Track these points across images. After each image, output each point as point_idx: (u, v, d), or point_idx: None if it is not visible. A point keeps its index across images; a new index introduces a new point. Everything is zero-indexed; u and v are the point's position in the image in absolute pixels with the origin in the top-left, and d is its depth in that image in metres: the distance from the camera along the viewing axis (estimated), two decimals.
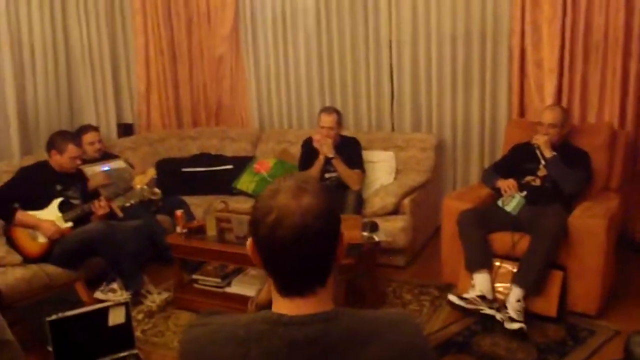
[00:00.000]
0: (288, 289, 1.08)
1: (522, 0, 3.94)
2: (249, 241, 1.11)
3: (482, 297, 3.12)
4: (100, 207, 3.64)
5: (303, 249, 1.04)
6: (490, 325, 3.07)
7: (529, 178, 3.50)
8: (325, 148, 3.99)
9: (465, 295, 3.15)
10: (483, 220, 3.31)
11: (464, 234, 3.30)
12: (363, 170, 4.14)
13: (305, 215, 1.03)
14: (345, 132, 4.42)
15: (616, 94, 3.77)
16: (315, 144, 4.04)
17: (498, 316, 3.06)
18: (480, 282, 3.16)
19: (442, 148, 4.51)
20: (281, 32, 5.00)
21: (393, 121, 4.71)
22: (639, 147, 3.84)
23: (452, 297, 3.17)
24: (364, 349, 1.04)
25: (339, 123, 4.11)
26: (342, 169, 4.00)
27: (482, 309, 3.12)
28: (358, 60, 4.71)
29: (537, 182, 3.47)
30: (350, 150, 4.14)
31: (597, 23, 3.77)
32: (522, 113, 4.13)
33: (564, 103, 3.89)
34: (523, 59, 4.04)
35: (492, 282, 3.18)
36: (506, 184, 3.47)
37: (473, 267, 3.22)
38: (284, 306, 1.08)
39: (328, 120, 4.04)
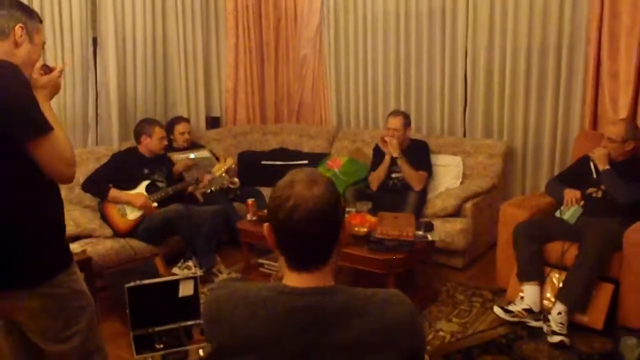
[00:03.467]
0: (296, 265, 1.29)
1: (600, 10, 3.90)
2: (266, 225, 1.33)
3: (529, 310, 3.20)
4: (201, 183, 4.16)
5: (313, 230, 1.25)
6: (536, 333, 3.14)
7: (591, 190, 3.50)
8: (391, 148, 4.17)
9: (511, 308, 3.24)
10: (539, 232, 3.37)
11: (518, 246, 3.36)
12: (429, 173, 4.29)
13: (317, 202, 1.24)
14: (417, 136, 4.58)
15: None
16: (381, 144, 4.23)
17: (544, 328, 3.13)
18: (529, 294, 3.23)
19: (511, 155, 4.54)
20: (362, 36, 5.21)
21: (465, 127, 4.79)
22: None
23: (497, 310, 3.27)
24: (354, 321, 1.23)
25: (406, 125, 4.27)
26: (406, 169, 4.16)
27: (527, 322, 3.20)
28: (434, 65, 4.83)
29: (599, 195, 3.47)
30: (418, 152, 4.29)
31: None
32: (594, 125, 4.09)
33: (639, 117, 3.83)
34: (598, 69, 4.00)
35: (542, 293, 3.24)
36: (572, 195, 3.50)
37: (524, 278, 3.29)
38: (291, 279, 1.29)
39: (394, 122, 4.23)
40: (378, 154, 4.40)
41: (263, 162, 5.17)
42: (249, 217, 3.90)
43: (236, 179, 4.53)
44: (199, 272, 3.76)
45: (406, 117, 4.31)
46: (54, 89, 1.90)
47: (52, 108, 1.86)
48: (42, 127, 1.69)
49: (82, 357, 1.92)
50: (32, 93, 1.72)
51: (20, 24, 1.79)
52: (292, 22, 5.64)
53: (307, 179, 1.27)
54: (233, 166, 4.33)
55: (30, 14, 1.85)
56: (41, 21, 1.91)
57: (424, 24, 4.81)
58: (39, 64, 1.88)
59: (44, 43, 1.93)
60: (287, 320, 1.24)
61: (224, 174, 4.27)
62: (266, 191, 4.66)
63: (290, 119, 5.89)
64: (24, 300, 1.78)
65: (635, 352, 1.67)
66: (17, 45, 1.79)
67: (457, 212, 4.05)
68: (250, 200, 3.98)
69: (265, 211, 3.76)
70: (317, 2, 5.37)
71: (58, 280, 1.82)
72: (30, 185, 1.75)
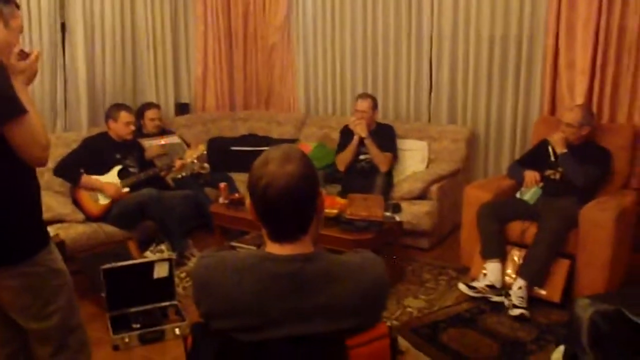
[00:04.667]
0: (277, 236, 1.37)
1: (558, 2, 4.08)
2: (247, 201, 1.42)
3: (492, 287, 3.38)
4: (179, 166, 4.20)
5: (288, 205, 1.32)
6: (498, 307, 3.31)
7: (549, 172, 3.68)
8: (359, 128, 4.30)
9: (474, 284, 3.41)
10: (501, 212, 3.54)
11: (481, 226, 3.53)
12: (395, 155, 4.42)
13: (289, 180, 1.31)
14: (384, 121, 4.71)
15: None
16: (350, 125, 4.36)
17: (505, 302, 3.30)
18: (492, 271, 3.40)
19: (474, 140, 4.71)
20: (330, 24, 5.30)
21: (430, 112, 4.94)
22: None
23: (461, 286, 3.44)
24: (334, 285, 1.33)
25: (374, 108, 4.40)
26: (373, 150, 4.29)
27: (490, 297, 3.37)
28: (400, 52, 4.96)
29: (557, 176, 3.65)
30: (384, 135, 4.42)
31: (631, 26, 3.87)
32: (553, 111, 4.28)
33: (594, 103, 4.02)
34: (556, 59, 4.18)
35: (503, 269, 3.42)
36: (531, 176, 3.68)
37: (486, 255, 3.46)
38: (273, 248, 1.38)
39: (363, 104, 4.36)
40: (345, 135, 4.51)
41: (232, 148, 5.23)
42: (221, 200, 3.97)
43: (206, 165, 4.58)
44: (172, 256, 3.82)
45: (374, 99, 4.44)
46: (32, 75, 1.90)
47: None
48: (16, 109, 1.71)
49: (63, 334, 1.97)
50: (6, 76, 1.73)
51: None
52: (261, 10, 5.69)
53: (281, 157, 1.34)
54: (204, 152, 4.37)
55: (6, 0, 1.86)
56: (18, 7, 1.92)
57: (391, 10, 4.93)
58: (16, 49, 1.87)
59: (21, 28, 1.93)
60: (272, 286, 1.32)
61: (195, 160, 4.32)
62: (236, 176, 4.73)
63: (259, 105, 5.96)
64: (5, 279, 1.83)
65: (589, 311, 1.82)
66: None
67: (423, 195, 4.19)
68: (222, 184, 4.05)
69: (237, 195, 3.86)
70: None
71: (38, 259, 1.87)
72: (11, 166, 1.79)
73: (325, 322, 1.33)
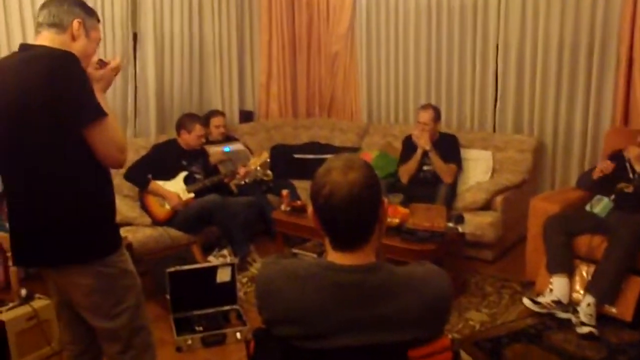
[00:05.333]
0: (339, 245, 1.37)
1: (633, 9, 3.93)
2: (310, 209, 1.43)
3: (558, 302, 3.26)
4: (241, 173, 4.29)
5: (350, 214, 1.33)
6: (565, 324, 3.20)
7: (622, 185, 3.53)
8: (422, 141, 4.25)
9: (540, 300, 3.30)
10: (569, 225, 3.42)
11: (547, 238, 3.42)
12: (459, 166, 4.36)
13: (351, 188, 1.31)
14: (447, 130, 4.65)
15: None
16: (414, 138, 4.31)
17: (573, 319, 3.18)
18: (558, 286, 3.29)
19: (541, 151, 4.58)
20: (393, 31, 5.28)
21: (495, 122, 4.84)
22: None
23: (526, 301, 3.33)
24: (395, 298, 1.32)
25: (436, 119, 4.36)
26: (437, 162, 4.24)
27: (556, 313, 3.26)
28: (465, 60, 4.89)
29: (630, 189, 3.49)
30: (447, 146, 4.36)
31: None
32: (625, 122, 4.12)
33: None
34: (630, 67, 4.03)
35: (571, 285, 3.29)
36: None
37: (553, 270, 3.34)
38: (335, 257, 1.38)
39: (425, 116, 4.31)
40: (407, 146, 4.48)
41: (295, 156, 5.29)
42: (283, 207, 4.02)
43: (269, 172, 4.65)
44: (235, 261, 3.89)
45: (436, 110, 4.39)
46: (107, 83, 2.01)
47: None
48: (98, 113, 1.81)
49: (130, 334, 2.03)
50: (88, 83, 1.82)
51: (78, 19, 1.91)
52: (325, 19, 5.74)
53: (343, 166, 1.34)
54: (267, 160, 4.44)
55: (89, 12, 1.97)
56: (99, 20, 2.03)
57: (456, 19, 4.86)
58: (95, 58, 1.99)
59: (99, 39, 2.03)
60: (333, 295, 1.33)
61: (258, 167, 4.39)
62: (298, 183, 4.77)
63: (321, 113, 6.00)
64: (78, 278, 1.92)
65: None
66: (73, 38, 1.91)
67: (487, 206, 4.12)
68: (285, 191, 4.10)
69: (299, 202, 3.90)
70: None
71: (110, 260, 1.95)
72: (90, 169, 1.88)
73: (386, 333, 1.32)
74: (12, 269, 3.45)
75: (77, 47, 1.90)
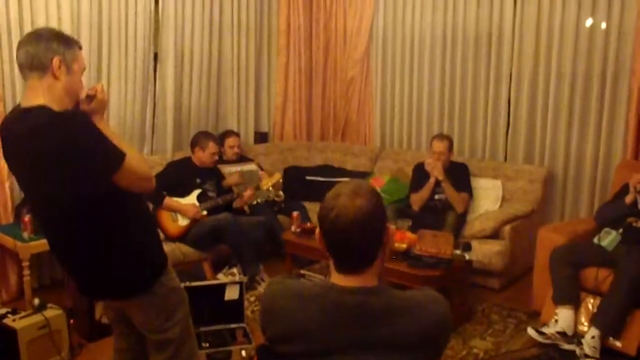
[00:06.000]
0: (343, 267, 1.42)
1: None
2: (317, 231, 1.49)
3: (563, 334, 3.27)
4: (240, 202, 4.38)
5: (355, 237, 1.38)
6: (569, 355, 3.20)
7: (631, 219, 3.54)
8: (436, 171, 4.30)
9: (544, 330, 3.31)
10: (576, 257, 3.44)
11: (554, 270, 3.44)
12: (470, 195, 4.40)
13: (358, 213, 1.36)
14: (459, 159, 4.70)
15: None
16: (427, 167, 4.36)
17: (577, 351, 3.18)
18: (563, 318, 3.30)
19: (551, 181, 4.61)
20: (408, 59, 5.36)
21: (506, 151, 4.88)
22: None
23: (531, 331, 3.35)
24: (396, 320, 1.37)
25: (450, 149, 4.40)
26: (450, 192, 4.29)
27: (560, 345, 3.27)
28: (478, 89, 4.95)
29: (638, 224, 3.51)
30: (459, 175, 4.41)
31: None
32: (636, 155, 4.14)
33: None
34: None
35: (576, 317, 3.30)
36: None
37: (559, 301, 3.36)
38: (338, 279, 1.43)
39: (440, 145, 4.36)
40: (418, 174, 4.53)
41: (307, 178, 5.35)
42: (293, 228, 4.08)
43: (281, 193, 4.72)
44: (244, 279, 3.94)
45: (450, 140, 4.45)
46: (103, 107, 2.00)
47: (110, 122, 2.02)
48: (117, 160, 1.83)
49: (179, 345, 2.13)
50: (96, 133, 1.82)
51: (57, 57, 1.85)
52: (342, 44, 5.84)
53: (351, 191, 1.40)
54: (280, 181, 4.51)
55: (67, 43, 1.90)
56: (80, 47, 1.96)
57: (470, 49, 4.93)
58: (83, 95, 1.95)
59: (83, 68, 1.97)
60: (335, 315, 1.38)
61: (270, 188, 4.46)
62: (309, 205, 4.82)
63: (335, 137, 6.07)
64: (134, 300, 2.04)
65: None
66: (56, 78, 1.85)
67: (495, 235, 4.14)
68: (295, 213, 4.16)
69: (309, 224, 3.95)
70: (366, 25, 5.55)
71: (160, 281, 2.04)
72: (123, 206, 1.95)
73: (385, 354, 1.36)
74: (26, 279, 3.54)
75: (60, 86, 1.87)
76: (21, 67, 1.87)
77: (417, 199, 4.46)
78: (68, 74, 1.88)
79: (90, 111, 1.96)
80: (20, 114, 1.87)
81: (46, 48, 1.84)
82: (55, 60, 1.84)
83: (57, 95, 1.86)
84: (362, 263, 1.42)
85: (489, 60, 4.86)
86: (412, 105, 5.40)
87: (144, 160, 2.02)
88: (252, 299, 3.90)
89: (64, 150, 1.76)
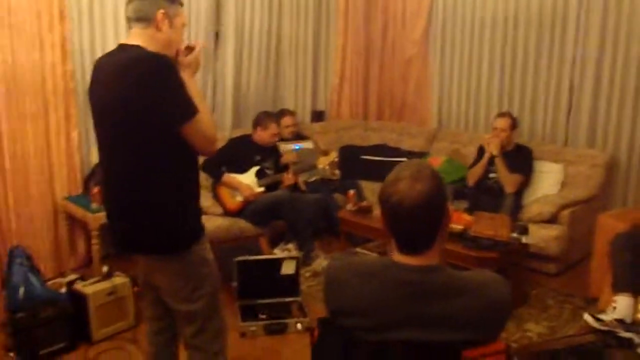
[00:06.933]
0: (404, 248, 1.46)
1: None
2: (378, 212, 1.52)
3: (621, 321, 3.21)
4: (288, 178, 4.35)
5: (415, 221, 1.42)
6: (627, 343, 3.15)
7: None
8: (492, 146, 4.28)
9: (602, 317, 3.25)
10: (637, 244, 3.36)
11: (614, 256, 3.37)
12: (527, 178, 4.34)
13: (418, 198, 1.39)
14: (520, 140, 4.64)
15: None
16: (484, 142, 4.33)
17: (636, 339, 3.13)
18: (622, 305, 3.23)
19: (614, 167, 4.49)
20: (468, 40, 5.29)
21: (567, 135, 4.77)
22: None
23: (587, 317, 3.28)
24: (454, 299, 1.40)
25: (513, 127, 4.37)
26: (501, 170, 4.26)
27: (617, 332, 3.21)
28: (539, 71, 4.84)
29: None
30: (520, 157, 4.38)
31: None
32: None
33: None
34: None
35: (635, 305, 3.24)
36: None
37: (618, 288, 3.28)
38: (400, 258, 1.47)
39: (501, 122, 4.36)
40: (480, 150, 4.55)
41: (363, 157, 5.38)
42: (349, 207, 4.13)
43: (337, 171, 4.76)
44: (299, 255, 4.03)
45: (514, 119, 4.41)
46: (196, 66, 2.13)
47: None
48: (189, 112, 1.91)
49: (205, 318, 2.17)
50: (178, 81, 1.92)
51: (162, 10, 1.98)
52: (400, 24, 5.80)
53: (412, 175, 1.42)
54: (336, 159, 4.56)
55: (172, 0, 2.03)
56: (181, 4, 2.09)
57: (532, 31, 4.82)
58: (182, 46, 2.09)
59: (184, 25, 2.10)
60: (395, 291, 1.42)
61: (327, 166, 4.52)
62: (364, 184, 4.86)
63: (391, 117, 6.07)
64: (164, 264, 2.08)
65: None
66: (159, 29, 1.99)
67: (553, 219, 4.08)
68: (351, 192, 4.21)
69: (364, 203, 4.00)
70: (425, 6, 5.50)
71: (193, 249, 2.08)
72: (181, 161, 2.02)
73: (443, 332, 1.40)
74: (95, 247, 3.73)
75: (162, 37, 2.00)
76: (128, 20, 2.02)
77: (472, 173, 4.48)
78: (170, 27, 2.01)
79: (184, 64, 2.06)
80: (115, 50, 2.03)
81: (152, 2, 1.98)
82: (159, 14, 1.97)
83: (157, 43, 1.99)
84: (422, 245, 1.45)
85: (552, 43, 4.74)
86: (471, 86, 5.34)
87: (214, 124, 2.06)
88: (307, 274, 3.98)
89: (146, 84, 1.85)
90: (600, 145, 4.58)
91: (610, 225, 3.56)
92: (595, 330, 3.25)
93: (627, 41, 4.33)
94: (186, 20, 2.15)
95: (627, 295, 3.25)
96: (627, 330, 3.18)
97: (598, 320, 3.26)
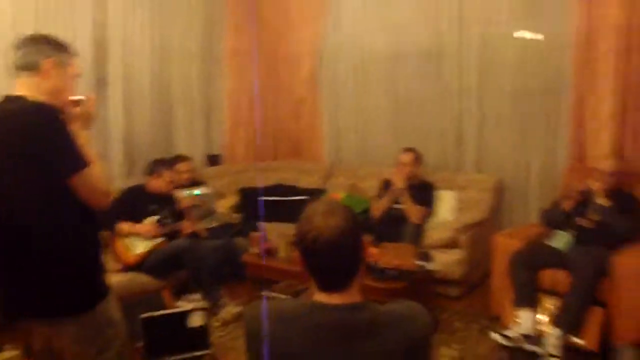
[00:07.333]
0: (325, 286, 1.43)
1: (580, 57, 4.22)
2: (296, 253, 1.47)
3: (526, 336, 3.36)
4: (186, 226, 4.20)
5: (335, 258, 1.40)
6: (534, 356, 3.28)
7: (582, 220, 3.67)
8: (396, 178, 4.42)
9: (508, 333, 3.39)
10: (533, 260, 3.54)
11: (513, 274, 3.54)
12: (430, 209, 4.50)
13: (334, 233, 1.38)
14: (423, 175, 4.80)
15: None
16: (390, 175, 4.50)
17: (541, 351, 3.27)
18: (525, 320, 3.39)
19: (501, 189, 4.76)
20: (355, 77, 5.49)
21: (457, 162, 5.01)
22: None
23: (495, 336, 3.42)
24: (381, 334, 1.38)
25: (416, 162, 4.54)
26: (407, 202, 4.36)
27: (524, 346, 3.35)
28: (426, 103, 5.09)
29: (589, 224, 3.64)
30: (424, 191, 4.53)
31: None
32: (580, 160, 4.32)
33: (622, 152, 4.06)
34: (581, 109, 4.27)
35: (537, 318, 3.40)
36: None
37: (519, 304, 3.45)
38: (322, 298, 1.43)
39: (405, 157, 4.52)
40: (386, 186, 4.63)
41: (262, 198, 5.32)
42: (253, 250, 4.04)
43: (237, 215, 4.68)
44: (206, 305, 3.87)
45: (416, 153, 4.57)
46: (88, 119, 2.01)
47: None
48: (78, 165, 1.82)
49: None
50: (65, 132, 1.82)
51: (49, 59, 1.92)
52: (289, 65, 5.89)
53: (325, 212, 1.41)
54: (235, 203, 4.48)
55: (60, 48, 1.97)
56: (75, 53, 2.02)
57: (416, 65, 5.09)
58: (70, 97, 1.98)
59: (76, 74, 2.02)
60: (320, 334, 1.38)
61: (226, 210, 4.42)
62: (267, 225, 4.78)
63: (287, 156, 6.09)
64: (65, 326, 1.90)
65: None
66: (45, 78, 1.92)
67: (453, 244, 4.22)
68: (254, 234, 4.13)
69: (268, 244, 3.91)
70: (311, 47, 5.64)
71: (98, 308, 1.94)
72: (77, 217, 1.89)
73: None
74: None
75: (49, 86, 1.92)
76: (15, 68, 1.93)
77: (377, 207, 4.54)
78: (58, 76, 1.94)
79: (73, 116, 1.95)
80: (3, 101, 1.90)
81: (39, 50, 1.92)
82: (46, 62, 1.92)
83: (43, 92, 1.90)
84: (343, 281, 1.43)
85: (437, 76, 5.00)
86: (363, 121, 5.52)
87: (106, 177, 1.97)
88: (217, 324, 3.83)
89: (30, 136, 1.77)
90: (487, 170, 4.84)
91: (504, 243, 3.74)
92: (504, 347, 3.37)
93: (502, 73, 4.68)
94: (80, 70, 2.03)
95: (528, 310, 3.40)
96: (533, 344, 3.33)
97: (504, 337, 3.38)
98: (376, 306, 1.45)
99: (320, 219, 1.39)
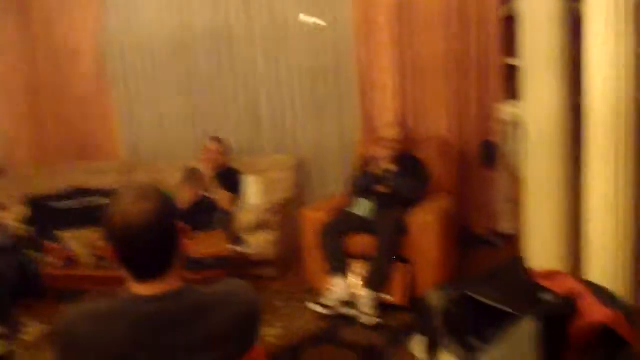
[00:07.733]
0: (141, 275, 1.34)
1: (360, 33, 4.52)
2: (106, 245, 1.34)
3: (341, 301, 3.53)
4: None
5: (145, 241, 1.31)
6: (352, 319, 3.46)
7: (379, 186, 3.93)
8: (202, 165, 4.38)
9: (324, 302, 3.54)
10: (339, 228, 3.73)
11: (322, 244, 3.70)
12: (237, 195, 4.47)
13: (144, 218, 1.30)
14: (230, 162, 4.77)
15: (442, 110, 4.39)
16: (196, 164, 4.43)
17: (357, 313, 3.46)
18: (338, 286, 3.57)
19: (302, 167, 4.94)
20: (145, 67, 5.26)
21: (257, 145, 5.08)
22: (465, 154, 4.44)
23: (312, 306, 3.56)
24: (205, 318, 1.34)
25: (222, 150, 4.53)
26: (215, 190, 4.33)
27: (342, 311, 3.52)
28: (220, 89, 5.07)
29: (385, 189, 3.91)
30: (231, 178, 4.50)
31: (423, 53, 4.41)
32: (370, 131, 4.62)
33: (404, 120, 4.44)
34: (366, 84, 4.58)
35: (350, 282, 3.59)
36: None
37: (332, 272, 3.62)
38: (139, 289, 1.34)
39: (209, 144, 4.51)
40: (189, 174, 4.48)
41: (56, 205, 4.86)
42: (52, 261, 3.69)
43: (25, 226, 4.23)
44: (3, 330, 3.46)
45: (220, 142, 4.54)
46: None
47: None
48: None
49: None
50: None
51: None
52: (70, 59, 5.42)
53: (135, 195, 1.33)
54: (22, 214, 4.04)
55: None
56: None
57: (203, 50, 5.04)
58: None
59: None
60: (142, 327, 1.30)
61: (13, 223, 3.97)
62: (64, 234, 4.39)
63: (77, 157, 5.61)
64: None
65: (440, 299, 2.00)
66: None
67: (262, 225, 4.26)
68: (51, 244, 3.76)
69: (70, 253, 3.60)
70: (89, 41, 5.28)
71: None
72: None
73: (202, 355, 1.33)
74: None
75: None
76: None
77: (182, 197, 4.39)
78: None
79: None
80: None
81: None
82: None
83: None
84: (160, 267, 1.36)
85: (224, 60, 5.00)
86: (158, 113, 5.30)
87: None
88: (21, 350, 3.43)
89: None
90: (287, 150, 4.97)
91: (311, 217, 3.88)
92: (323, 316, 3.51)
93: (294, 53, 4.83)
94: None
95: (340, 276, 3.58)
96: (349, 308, 3.52)
97: (323, 306, 3.52)
98: (197, 289, 1.40)
99: (130, 202, 1.31)
